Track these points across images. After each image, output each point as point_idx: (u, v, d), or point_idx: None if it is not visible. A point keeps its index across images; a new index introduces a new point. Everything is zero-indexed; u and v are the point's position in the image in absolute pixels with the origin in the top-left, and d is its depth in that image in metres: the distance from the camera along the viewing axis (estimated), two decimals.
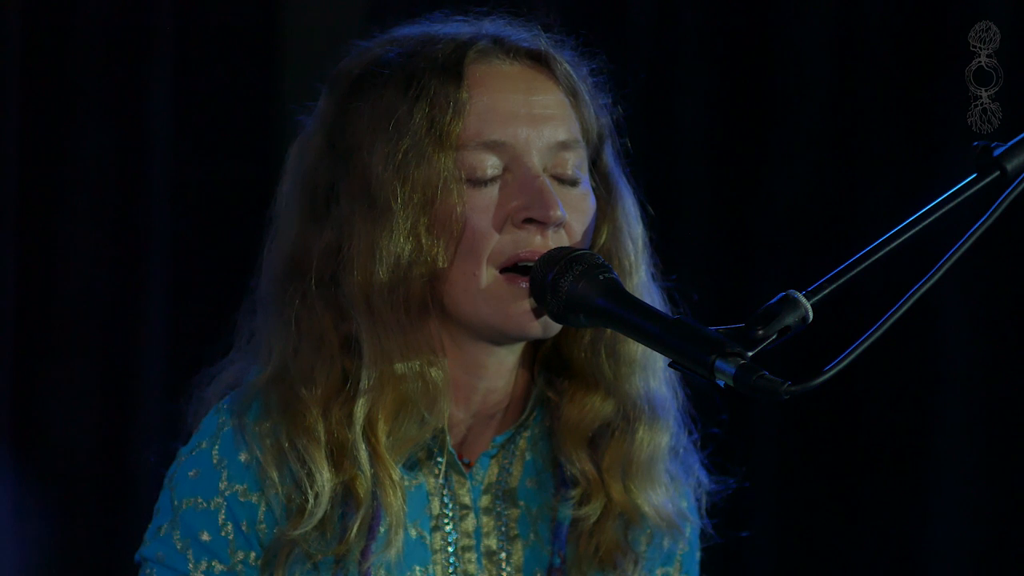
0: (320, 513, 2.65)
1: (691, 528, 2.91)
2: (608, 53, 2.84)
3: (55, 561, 4.24)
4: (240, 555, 2.68)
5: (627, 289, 2.64)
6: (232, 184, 4.32)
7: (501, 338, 2.70)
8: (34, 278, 4.24)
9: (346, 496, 2.68)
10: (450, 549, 2.77)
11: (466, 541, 2.78)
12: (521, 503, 2.82)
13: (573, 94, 2.74)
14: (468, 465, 2.79)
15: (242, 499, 2.68)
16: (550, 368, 2.83)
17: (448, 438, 2.74)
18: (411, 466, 2.74)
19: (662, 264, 2.87)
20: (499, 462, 2.80)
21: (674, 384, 2.85)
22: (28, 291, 4.23)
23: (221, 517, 2.68)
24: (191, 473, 2.70)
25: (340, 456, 2.67)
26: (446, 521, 2.77)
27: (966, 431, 4.57)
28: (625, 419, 2.80)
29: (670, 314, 2.63)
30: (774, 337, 2.42)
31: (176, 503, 2.70)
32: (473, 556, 2.78)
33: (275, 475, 2.67)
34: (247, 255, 2.83)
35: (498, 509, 2.80)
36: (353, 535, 2.66)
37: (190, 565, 2.68)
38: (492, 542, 2.79)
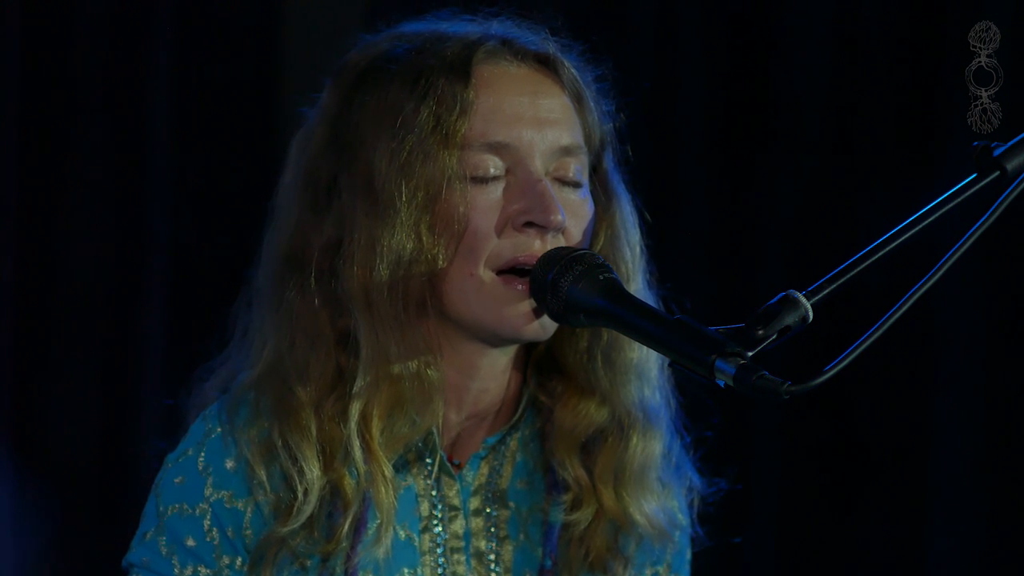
0: (309, 510, 2.65)
1: (681, 529, 2.90)
2: (612, 59, 2.83)
3: (54, 561, 4.24)
4: (226, 560, 2.68)
5: None
6: (232, 181, 4.32)
7: (495, 339, 2.70)
8: (34, 277, 4.23)
9: (334, 496, 2.67)
10: (439, 551, 2.76)
11: (455, 543, 2.77)
12: (511, 504, 2.81)
13: (578, 99, 2.74)
14: (458, 467, 2.78)
15: (228, 505, 2.68)
16: (543, 371, 2.82)
17: (439, 440, 2.74)
18: (400, 467, 2.74)
19: (661, 268, 2.87)
20: (489, 463, 2.80)
21: (667, 392, 2.85)
22: (28, 290, 4.23)
23: (206, 523, 2.68)
24: (177, 480, 2.70)
25: (330, 454, 2.66)
26: (435, 522, 2.76)
27: (966, 431, 4.57)
28: (619, 426, 2.80)
29: (670, 314, 2.62)
30: (774, 337, 2.42)
31: (161, 509, 2.70)
32: (462, 557, 2.77)
33: (263, 475, 2.67)
34: (247, 254, 2.82)
35: (488, 510, 2.80)
36: (340, 535, 2.66)
37: (176, 570, 2.68)
38: (481, 543, 2.79)
